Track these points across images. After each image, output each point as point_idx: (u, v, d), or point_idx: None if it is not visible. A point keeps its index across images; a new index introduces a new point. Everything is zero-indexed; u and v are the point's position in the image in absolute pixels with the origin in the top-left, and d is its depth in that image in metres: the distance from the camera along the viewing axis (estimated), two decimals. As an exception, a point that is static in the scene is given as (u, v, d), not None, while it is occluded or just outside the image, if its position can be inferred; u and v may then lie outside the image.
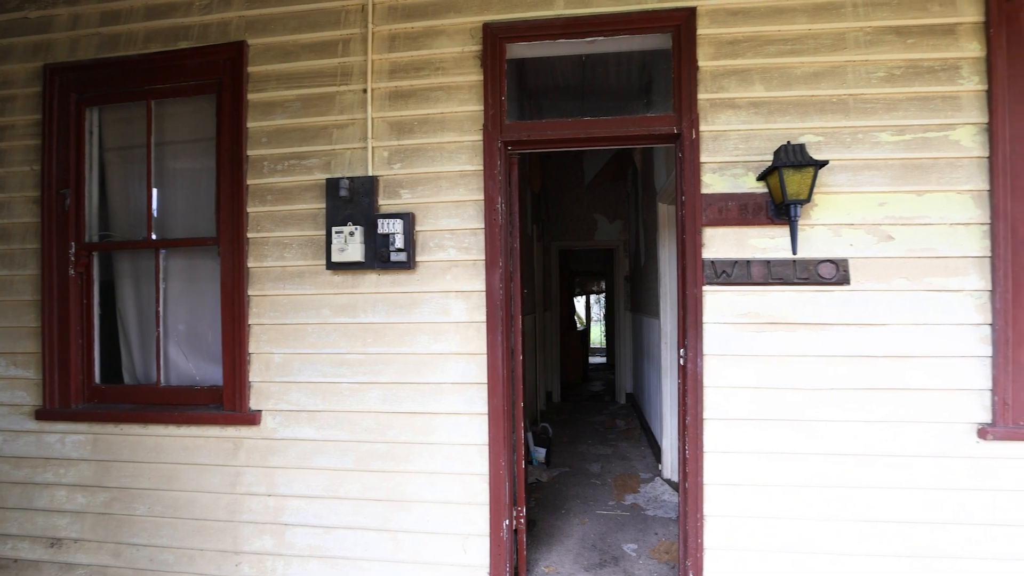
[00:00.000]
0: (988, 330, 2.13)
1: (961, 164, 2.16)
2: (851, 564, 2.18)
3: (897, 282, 2.18)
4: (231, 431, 2.55)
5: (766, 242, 2.25)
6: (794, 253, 2.21)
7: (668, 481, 4.06)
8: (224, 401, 2.55)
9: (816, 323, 2.21)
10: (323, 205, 2.50)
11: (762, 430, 2.24)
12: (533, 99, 4.44)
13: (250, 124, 2.57)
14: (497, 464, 2.37)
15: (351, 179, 2.44)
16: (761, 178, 2.21)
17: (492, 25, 2.42)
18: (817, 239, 2.22)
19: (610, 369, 9.90)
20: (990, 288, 2.12)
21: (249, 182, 2.57)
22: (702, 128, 2.28)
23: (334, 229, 2.41)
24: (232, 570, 2.53)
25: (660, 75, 3.55)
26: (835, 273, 2.20)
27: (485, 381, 2.39)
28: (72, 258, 2.70)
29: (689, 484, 2.28)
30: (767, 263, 2.23)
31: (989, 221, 2.13)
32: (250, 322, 2.55)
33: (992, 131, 2.12)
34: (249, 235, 2.56)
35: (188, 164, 2.77)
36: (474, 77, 2.44)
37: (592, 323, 15.88)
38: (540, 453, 4.56)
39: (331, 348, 2.50)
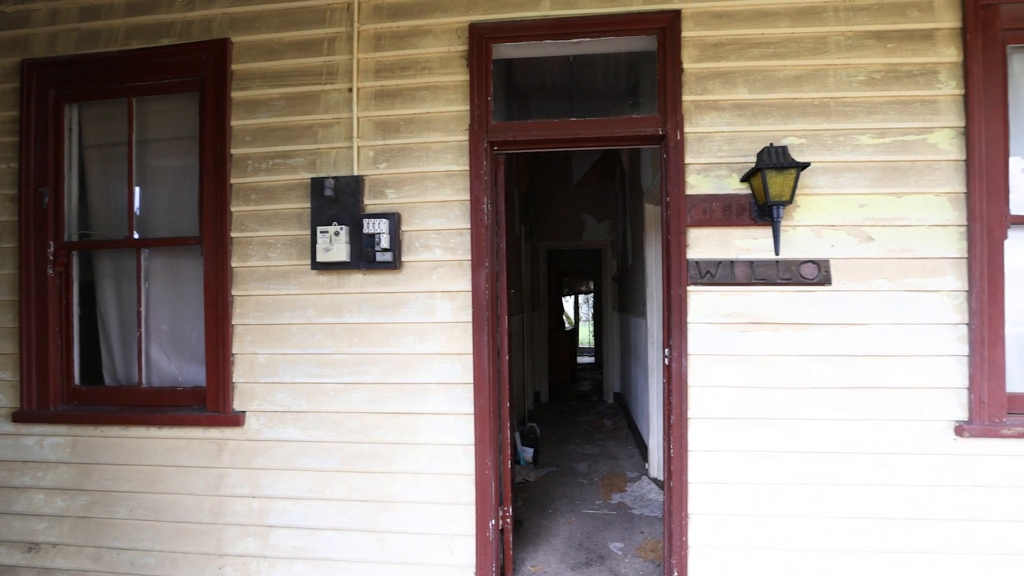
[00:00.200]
0: (965, 329, 2.17)
1: (939, 167, 2.20)
2: (833, 560, 2.21)
3: (877, 282, 2.21)
4: (214, 432, 2.52)
5: (750, 243, 2.27)
6: (777, 254, 2.24)
7: (655, 480, 4.09)
8: (207, 402, 2.52)
9: (798, 323, 2.24)
10: (308, 205, 2.49)
11: (746, 429, 2.26)
12: (521, 99, 4.45)
13: (234, 122, 2.55)
14: (483, 464, 2.37)
15: (336, 179, 2.43)
16: (744, 179, 2.24)
17: (478, 25, 2.42)
18: (799, 240, 2.25)
19: (598, 369, 9.93)
20: (967, 288, 2.16)
21: (233, 181, 2.54)
22: (687, 129, 2.30)
23: (319, 229, 2.40)
24: (215, 573, 2.50)
25: (646, 77, 3.57)
26: (817, 273, 2.23)
27: (471, 381, 2.38)
28: (51, 257, 2.65)
29: (674, 483, 2.29)
30: (750, 264, 2.26)
31: (966, 223, 2.17)
32: (234, 322, 2.53)
33: (969, 135, 2.16)
34: (233, 234, 2.53)
35: (171, 162, 2.74)
36: (460, 77, 2.44)
37: (581, 323, 15.93)
38: (528, 453, 4.56)
39: (316, 348, 2.48)
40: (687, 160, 2.30)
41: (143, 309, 2.68)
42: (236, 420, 2.49)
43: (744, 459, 2.26)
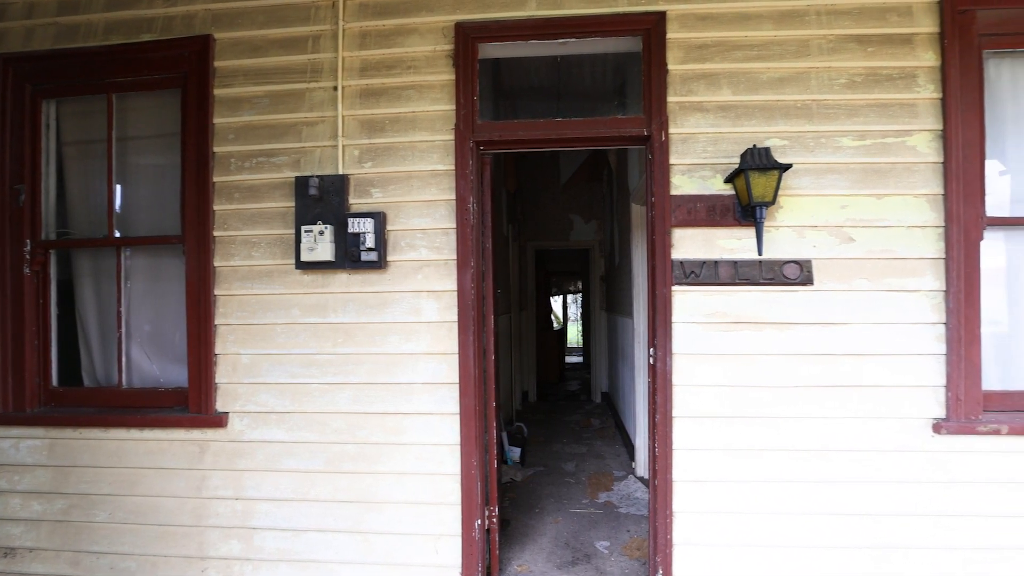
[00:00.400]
0: (942, 329, 2.21)
1: (918, 169, 2.24)
2: (816, 556, 2.24)
3: (858, 282, 2.25)
4: (196, 434, 2.49)
5: (733, 243, 2.29)
6: (760, 254, 2.26)
7: (641, 479, 4.11)
8: (189, 403, 2.49)
9: (781, 322, 2.27)
10: (292, 204, 2.46)
11: (730, 427, 2.28)
12: (508, 99, 4.44)
13: (217, 120, 2.51)
14: (469, 464, 2.37)
15: (321, 177, 2.41)
16: (728, 180, 2.26)
17: (464, 25, 2.42)
18: (782, 240, 2.28)
19: (586, 368, 9.96)
20: (944, 288, 2.21)
21: (216, 179, 2.51)
22: (671, 130, 2.32)
23: (303, 228, 2.38)
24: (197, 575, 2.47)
25: (632, 78, 3.58)
26: (799, 274, 2.25)
27: (456, 381, 2.38)
28: (27, 256, 2.60)
29: (659, 481, 2.31)
30: (734, 264, 2.28)
31: (943, 224, 2.21)
32: (217, 322, 2.50)
33: (946, 138, 2.20)
34: (216, 233, 2.50)
35: (152, 160, 2.70)
36: (446, 76, 2.43)
37: (569, 323, 15.96)
38: (515, 452, 4.57)
39: (301, 348, 2.46)
40: (672, 161, 2.32)
41: (123, 309, 2.64)
42: (219, 421, 2.46)
43: (728, 457, 2.28)
